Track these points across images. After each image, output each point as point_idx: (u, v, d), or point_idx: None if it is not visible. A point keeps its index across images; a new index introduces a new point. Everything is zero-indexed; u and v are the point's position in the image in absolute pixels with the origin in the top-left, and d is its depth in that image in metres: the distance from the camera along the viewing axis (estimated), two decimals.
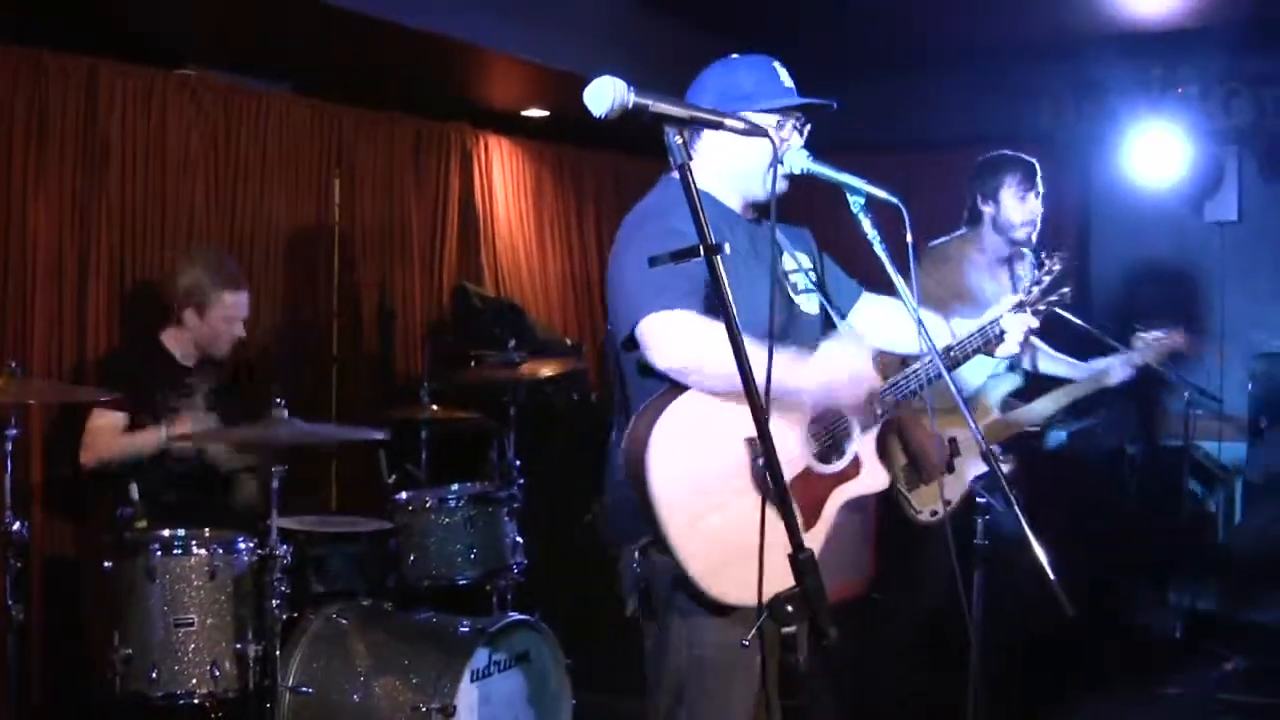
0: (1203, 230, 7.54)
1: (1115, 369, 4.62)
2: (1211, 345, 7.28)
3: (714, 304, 2.31)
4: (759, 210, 3.11)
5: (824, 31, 6.70)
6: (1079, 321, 4.54)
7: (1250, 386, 7.19)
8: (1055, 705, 5.18)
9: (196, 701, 3.94)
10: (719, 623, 2.79)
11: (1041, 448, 5.15)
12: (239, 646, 3.97)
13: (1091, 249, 7.90)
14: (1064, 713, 5.21)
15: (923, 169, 6.92)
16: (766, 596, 2.12)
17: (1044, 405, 4.68)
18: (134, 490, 4.25)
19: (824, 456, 2.97)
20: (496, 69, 6.18)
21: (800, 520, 2.88)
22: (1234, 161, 7.40)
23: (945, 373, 2.89)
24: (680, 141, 2.15)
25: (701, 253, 2.11)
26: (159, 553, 3.94)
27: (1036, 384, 4.82)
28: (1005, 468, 3.59)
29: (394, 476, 4.79)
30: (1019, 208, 4.65)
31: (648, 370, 2.84)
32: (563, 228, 7.92)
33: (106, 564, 3.99)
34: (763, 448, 2.09)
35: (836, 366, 2.88)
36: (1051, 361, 4.88)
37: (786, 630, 2.10)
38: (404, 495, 4.72)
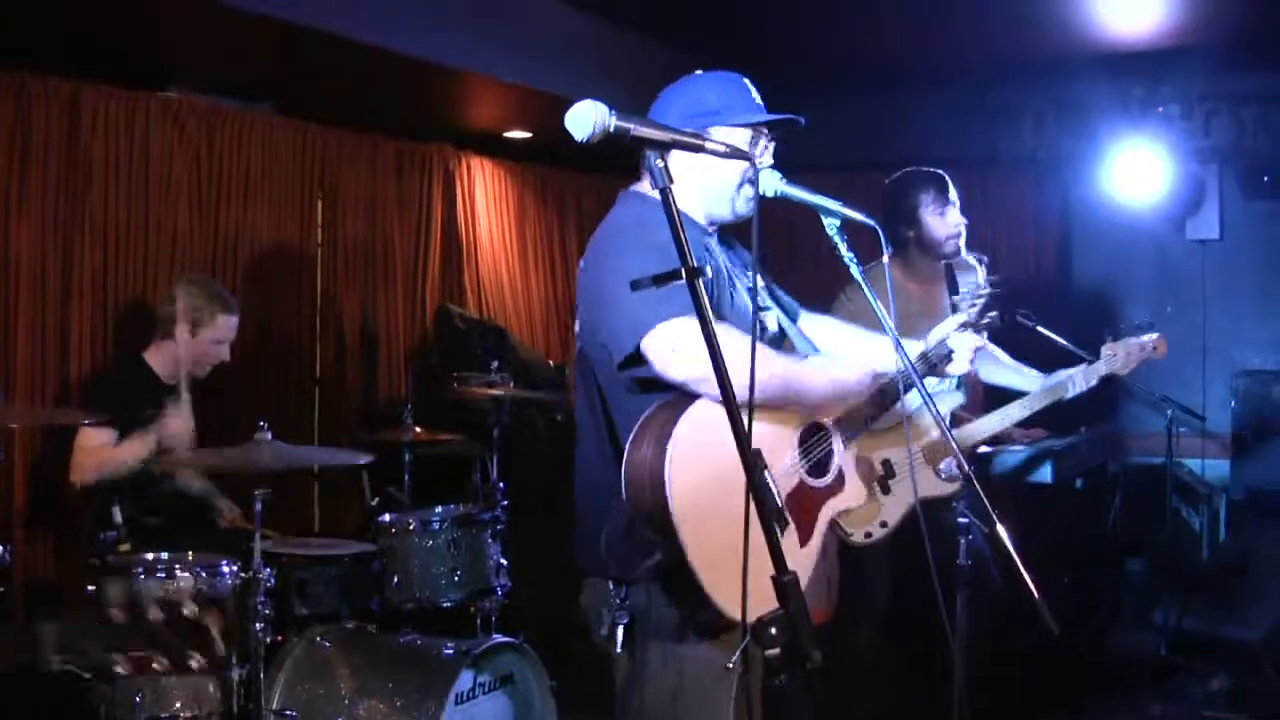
0: (1185, 248, 7.58)
1: (1075, 380, 4.21)
2: (1193, 361, 7.33)
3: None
4: (723, 228, 3.11)
5: (805, 51, 6.72)
6: (1050, 334, 4.50)
7: (1233, 404, 7.22)
8: None
9: None
10: (705, 646, 2.77)
11: (1025, 476, 5.03)
12: (223, 670, 3.94)
13: (1073, 268, 7.93)
14: None
15: None
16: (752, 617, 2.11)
17: (991, 421, 4.23)
18: (117, 514, 4.23)
19: (813, 472, 2.98)
20: (479, 91, 6.19)
21: (797, 536, 2.90)
22: (1215, 180, 7.44)
23: (921, 387, 2.89)
24: (662, 165, 2.15)
25: (684, 276, 2.12)
26: (142, 576, 3.92)
27: (990, 396, 4.60)
28: (953, 486, 3.57)
29: (377, 499, 4.78)
30: (941, 224, 4.48)
31: (638, 389, 2.81)
32: (545, 249, 7.91)
33: (89, 587, 3.96)
34: (746, 463, 2.09)
35: (840, 366, 2.90)
36: (1001, 371, 4.60)
37: (770, 652, 2.10)
38: (387, 517, 4.70)
